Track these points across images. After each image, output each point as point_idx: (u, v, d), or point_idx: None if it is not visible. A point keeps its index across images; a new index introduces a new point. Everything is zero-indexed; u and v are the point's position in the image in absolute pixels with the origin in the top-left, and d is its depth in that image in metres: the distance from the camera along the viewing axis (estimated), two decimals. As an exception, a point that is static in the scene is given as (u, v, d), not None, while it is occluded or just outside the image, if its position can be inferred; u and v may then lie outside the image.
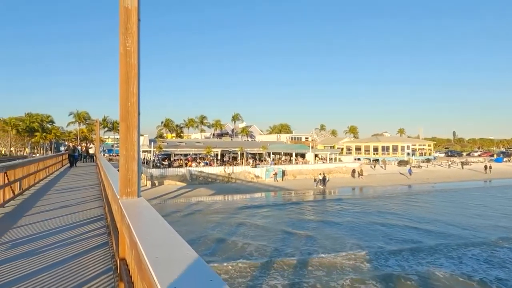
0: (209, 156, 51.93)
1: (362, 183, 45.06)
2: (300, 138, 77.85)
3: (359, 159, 68.75)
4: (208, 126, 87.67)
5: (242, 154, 54.63)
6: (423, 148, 76.17)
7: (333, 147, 75.45)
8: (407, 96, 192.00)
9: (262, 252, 17.24)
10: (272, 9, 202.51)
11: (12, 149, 68.37)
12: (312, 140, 74.47)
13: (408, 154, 70.19)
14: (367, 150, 72.98)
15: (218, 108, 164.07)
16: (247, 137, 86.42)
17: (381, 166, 60.17)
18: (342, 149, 75.55)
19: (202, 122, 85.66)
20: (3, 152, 67.08)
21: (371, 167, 59.78)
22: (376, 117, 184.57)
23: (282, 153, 59.91)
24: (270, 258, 16.23)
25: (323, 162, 57.61)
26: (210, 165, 48.24)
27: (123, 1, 3.35)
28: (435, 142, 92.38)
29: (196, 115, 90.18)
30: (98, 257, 4.73)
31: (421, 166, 60.19)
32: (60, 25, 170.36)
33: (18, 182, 10.71)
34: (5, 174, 9.16)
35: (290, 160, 56.31)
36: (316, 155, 59.69)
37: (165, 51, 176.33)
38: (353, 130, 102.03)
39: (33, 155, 54.95)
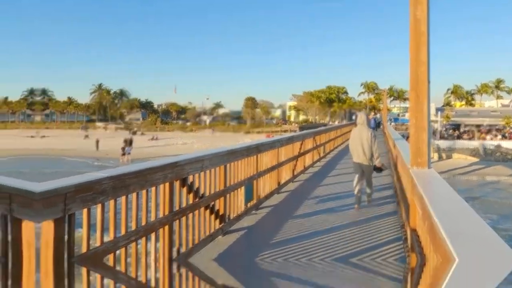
0: (508, 128, 45.17)
1: None
2: None
3: None
4: (507, 92, 70.09)
5: None
6: None
7: None
8: None
9: None
10: None
11: (317, 117, 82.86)
12: None
13: None
14: None
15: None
16: None
17: None
18: None
19: (498, 87, 69.72)
20: (310, 120, 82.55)
21: None
22: None
23: None
24: None
25: None
26: (510, 138, 40.69)
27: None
28: None
29: (490, 79, 74.07)
30: (387, 225, 4.97)
31: None
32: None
33: (322, 147, 13.02)
34: (314, 139, 11.36)
35: None
36: None
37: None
38: None
39: (331, 123, 64.03)
